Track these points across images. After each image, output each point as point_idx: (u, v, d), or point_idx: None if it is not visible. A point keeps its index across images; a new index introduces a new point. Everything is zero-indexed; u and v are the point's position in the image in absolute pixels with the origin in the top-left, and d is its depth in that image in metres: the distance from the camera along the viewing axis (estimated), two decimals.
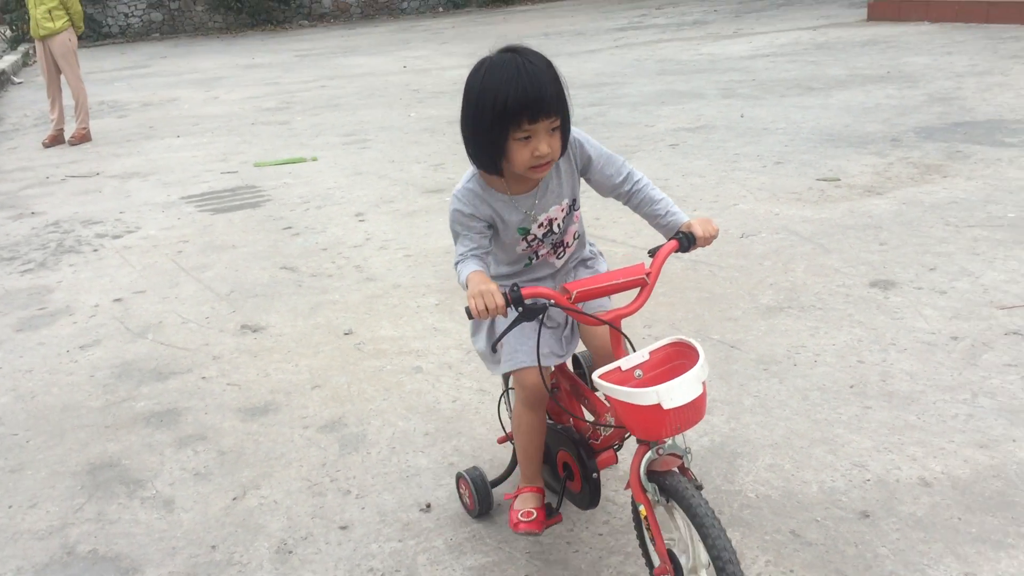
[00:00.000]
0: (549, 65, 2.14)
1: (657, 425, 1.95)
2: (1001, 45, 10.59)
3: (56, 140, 9.57)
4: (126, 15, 23.59)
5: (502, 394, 2.81)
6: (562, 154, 2.25)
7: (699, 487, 2.06)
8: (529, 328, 2.28)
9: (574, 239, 2.50)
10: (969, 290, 4.04)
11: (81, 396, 3.79)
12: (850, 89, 8.92)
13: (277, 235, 5.81)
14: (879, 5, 13.97)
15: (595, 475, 2.39)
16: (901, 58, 10.37)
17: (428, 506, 2.86)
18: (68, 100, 9.98)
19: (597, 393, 2.37)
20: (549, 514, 2.54)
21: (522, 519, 2.50)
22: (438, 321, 4.26)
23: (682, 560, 2.10)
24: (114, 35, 23.43)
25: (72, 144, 9.52)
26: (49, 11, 9.24)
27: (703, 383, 1.96)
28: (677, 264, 4.64)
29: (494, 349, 2.34)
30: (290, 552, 2.70)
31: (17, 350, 4.32)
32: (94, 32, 22.76)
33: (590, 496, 2.42)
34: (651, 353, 2.09)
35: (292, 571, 2.62)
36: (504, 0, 25.16)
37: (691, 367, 1.96)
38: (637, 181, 2.37)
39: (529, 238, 2.38)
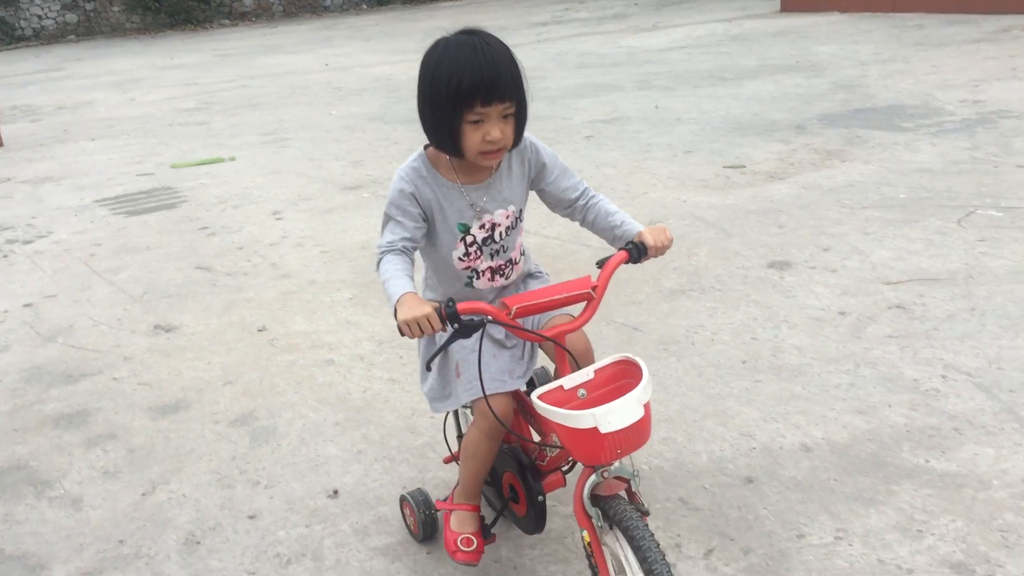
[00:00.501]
0: (507, 49, 2.05)
1: (596, 449, 1.84)
2: (905, 33, 11.00)
3: None
4: (40, 17, 23.00)
5: (446, 415, 2.77)
6: (515, 145, 2.15)
7: (645, 512, 1.97)
8: (489, 352, 2.20)
9: (521, 255, 2.36)
10: (859, 268, 4.25)
11: None
12: (760, 79, 9.18)
13: (193, 235, 5.80)
14: None
15: (541, 498, 2.27)
16: (811, 48, 10.70)
17: (335, 492, 2.93)
18: None
19: None
20: (485, 535, 2.42)
21: (461, 547, 2.36)
22: (351, 315, 4.33)
23: None
24: (28, 38, 22.83)
25: None
26: None
27: (646, 404, 1.85)
28: (586, 252, 4.78)
29: (428, 368, 2.14)
30: (198, 543, 2.75)
31: None
32: (6, 35, 22.17)
33: (535, 520, 2.31)
34: (596, 372, 1.97)
35: (199, 561, 2.67)
36: None
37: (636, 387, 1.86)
38: (592, 196, 2.29)
39: (467, 240, 2.23)
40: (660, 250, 2.12)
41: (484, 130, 2.03)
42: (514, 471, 2.34)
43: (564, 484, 2.36)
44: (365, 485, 2.95)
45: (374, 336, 4.06)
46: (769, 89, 8.64)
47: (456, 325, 1.92)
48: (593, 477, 1.96)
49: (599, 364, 1.98)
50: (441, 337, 2.09)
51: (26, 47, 21.99)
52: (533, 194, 2.36)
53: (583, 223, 2.32)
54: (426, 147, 2.22)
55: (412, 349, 3.75)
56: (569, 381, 1.97)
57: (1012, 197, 4.98)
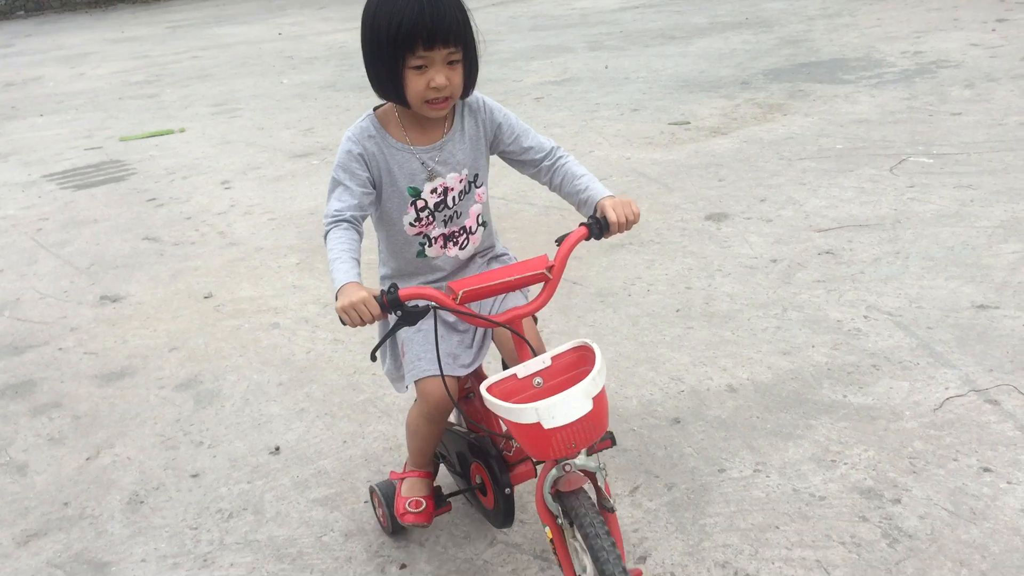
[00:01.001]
0: None
1: (543, 444, 1.72)
2: None
3: None
4: None
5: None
6: (464, 95, 2.06)
7: (609, 509, 1.89)
8: (431, 333, 2.09)
9: (479, 224, 2.21)
10: (792, 217, 4.36)
11: None
12: (709, 37, 9.24)
13: (141, 207, 5.79)
14: None
15: (508, 491, 2.15)
16: (760, 4, 10.76)
17: (277, 449, 3.00)
18: None
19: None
20: (438, 502, 2.36)
21: (410, 509, 2.30)
22: (298, 279, 4.37)
23: None
24: None
25: None
26: None
27: (597, 396, 1.72)
28: (530, 210, 4.85)
29: (373, 357, 1.95)
30: (141, 502, 2.81)
31: None
32: None
33: (504, 514, 2.20)
34: (553, 358, 1.85)
35: (143, 519, 2.73)
36: None
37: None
38: (560, 158, 2.15)
39: (418, 205, 2.12)
40: (624, 226, 1.96)
41: (428, 76, 1.93)
42: (480, 462, 2.21)
43: (535, 475, 2.22)
44: (307, 441, 3.02)
45: (319, 299, 4.11)
46: (718, 46, 8.70)
47: (399, 312, 1.82)
48: (554, 471, 1.84)
49: (556, 350, 1.86)
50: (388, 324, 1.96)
51: None
52: (499, 162, 2.26)
53: (551, 187, 2.17)
54: (376, 108, 2.14)
55: None
56: (524, 369, 1.85)
57: (944, 144, 5.10)
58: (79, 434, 3.23)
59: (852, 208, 4.36)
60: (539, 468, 2.04)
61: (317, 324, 3.86)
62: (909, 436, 2.67)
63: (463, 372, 2.19)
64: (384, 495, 2.46)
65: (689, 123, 6.18)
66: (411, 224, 2.15)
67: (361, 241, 2.05)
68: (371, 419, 3.10)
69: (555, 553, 1.94)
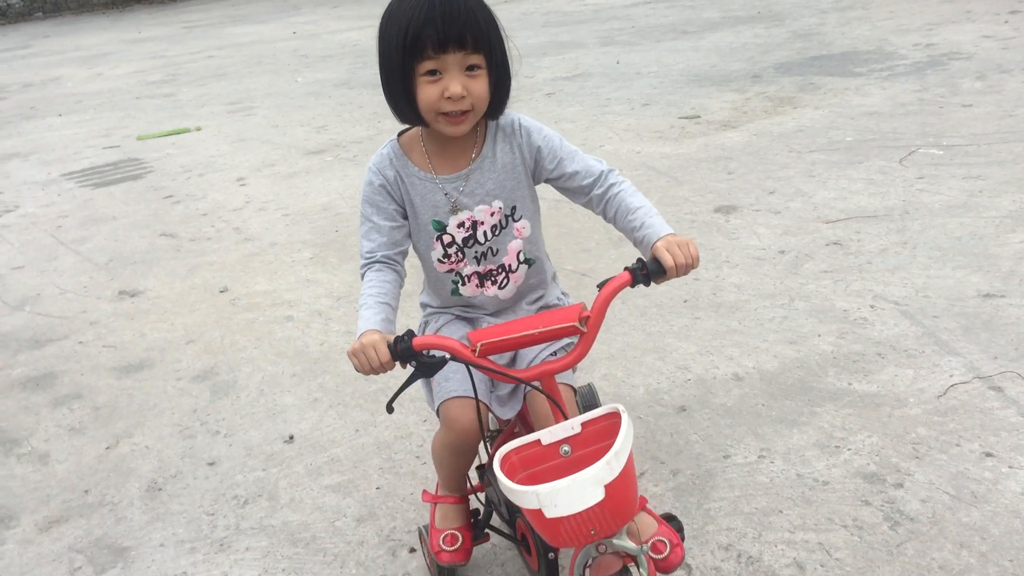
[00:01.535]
0: (479, 0, 1.77)
1: (552, 532, 1.53)
2: None
3: None
4: None
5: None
6: (494, 115, 1.86)
7: None
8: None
9: (519, 262, 1.98)
10: (801, 208, 4.38)
11: None
12: (721, 31, 9.26)
13: (158, 204, 5.88)
14: None
15: (552, 556, 1.91)
16: None
17: (291, 438, 3.07)
18: None
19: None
20: (477, 533, 2.17)
21: (444, 547, 2.11)
22: (311, 273, 4.44)
23: None
24: None
25: None
26: None
27: (615, 481, 1.48)
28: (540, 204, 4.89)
29: (389, 409, 1.76)
30: (160, 489, 2.88)
31: None
32: None
33: None
34: (584, 424, 1.64)
35: (161, 505, 2.80)
36: None
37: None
38: (612, 184, 1.87)
39: (445, 240, 1.93)
40: (680, 270, 1.69)
41: (443, 84, 1.74)
42: (524, 520, 1.88)
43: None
44: (320, 430, 3.09)
45: (332, 292, 4.17)
46: (729, 40, 8.72)
47: (414, 363, 1.67)
48: (586, 549, 1.64)
49: (588, 416, 1.65)
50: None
51: None
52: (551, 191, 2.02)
53: (605, 219, 1.91)
54: (400, 134, 1.98)
55: None
56: (550, 435, 1.63)
57: (954, 135, 5.11)
58: (99, 424, 3.30)
59: (861, 199, 4.38)
60: None
61: (330, 317, 3.93)
62: (913, 422, 2.70)
63: (500, 411, 1.97)
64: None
65: (699, 117, 6.21)
66: (439, 260, 1.96)
67: (400, 280, 1.92)
68: (383, 408, 3.15)
69: None
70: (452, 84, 1.74)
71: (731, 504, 2.46)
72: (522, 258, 1.98)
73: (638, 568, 1.66)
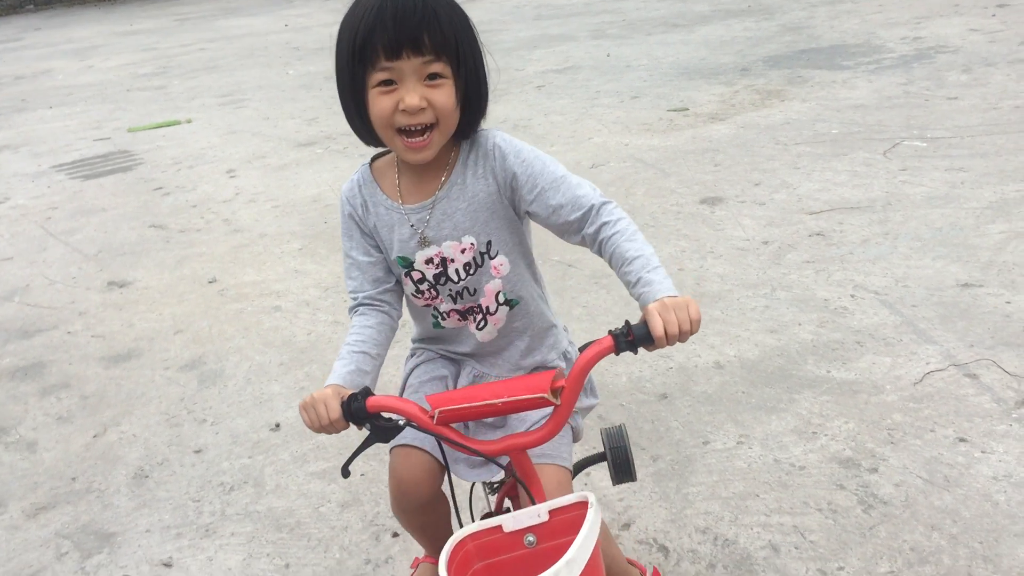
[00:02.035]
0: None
1: None
2: None
3: None
4: None
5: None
6: (466, 130, 1.61)
7: None
8: (438, 390, 1.75)
9: (499, 304, 1.71)
10: (785, 200, 4.42)
11: None
12: (712, 24, 9.29)
13: (148, 196, 5.90)
14: None
15: None
16: None
17: (277, 426, 3.10)
18: None
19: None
20: None
21: None
22: (300, 264, 4.47)
23: None
24: None
25: None
26: None
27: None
28: None
29: (344, 473, 1.54)
30: (146, 476, 2.91)
31: None
32: None
33: None
34: (552, 512, 1.44)
35: (148, 492, 2.83)
36: None
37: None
38: (605, 224, 1.55)
39: (415, 277, 1.70)
40: (673, 339, 1.38)
41: (398, 95, 1.49)
42: None
43: None
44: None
45: (320, 283, 4.20)
46: (719, 33, 8.75)
47: (367, 425, 1.50)
48: None
49: (556, 503, 1.44)
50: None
51: None
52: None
53: (599, 255, 1.60)
54: (375, 158, 1.76)
55: None
56: (513, 521, 1.43)
57: (938, 128, 5.16)
58: (86, 413, 3.33)
59: (844, 191, 4.43)
60: None
61: (318, 307, 3.95)
62: (889, 409, 2.74)
63: (468, 473, 1.71)
64: None
65: (687, 110, 6.24)
66: (413, 295, 1.74)
67: (389, 321, 1.73)
68: None
69: None
70: (408, 95, 1.49)
71: (709, 489, 2.50)
72: (501, 299, 1.71)
73: None
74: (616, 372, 3.14)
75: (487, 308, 1.72)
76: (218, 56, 11.64)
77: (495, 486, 1.97)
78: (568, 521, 1.43)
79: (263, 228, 5.04)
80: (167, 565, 2.49)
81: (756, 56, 7.55)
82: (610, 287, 3.76)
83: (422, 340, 1.87)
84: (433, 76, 1.50)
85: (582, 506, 1.41)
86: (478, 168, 1.63)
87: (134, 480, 2.90)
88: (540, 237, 1.79)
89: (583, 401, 1.84)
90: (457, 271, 1.67)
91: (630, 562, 2.04)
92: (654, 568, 2.15)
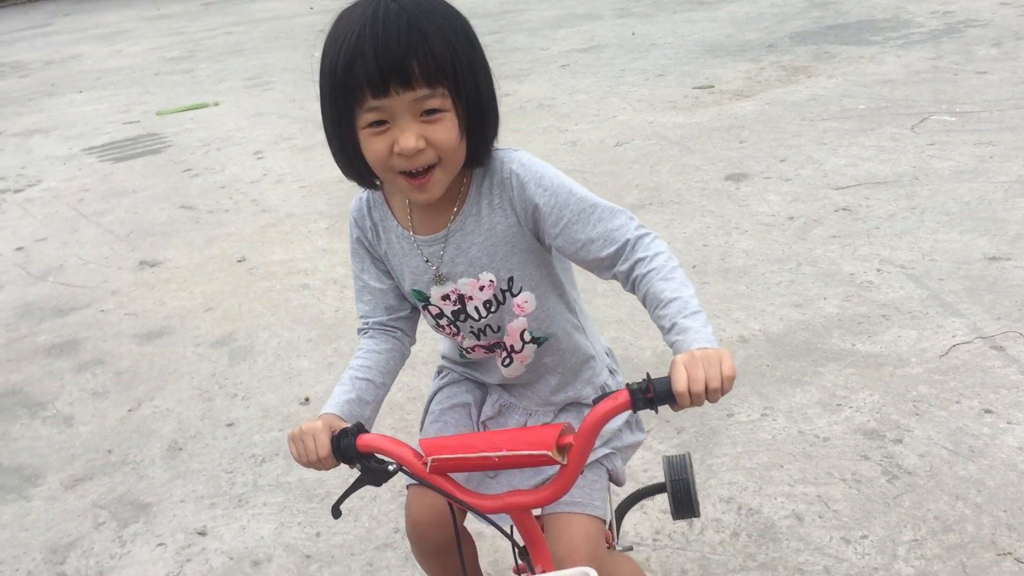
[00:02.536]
0: (436, 9, 1.33)
1: None
2: None
3: None
4: None
5: None
6: (475, 159, 1.41)
7: None
8: (461, 418, 1.64)
9: (525, 342, 1.55)
10: (811, 175, 4.40)
11: None
12: (738, 1, 9.20)
13: (177, 178, 5.97)
14: None
15: None
16: None
17: (307, 399, 3.15)
18: None
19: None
20: None
21: None
22: (327, 243, 4.51)
23: None
24: None
25: None
26: None
27: None
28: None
29: (335, 513, 1.48)
30: (180, 449, 2.98)
31: None
32: None
33: None
34: None
35: (182, 464, 2.90)
36: None
37: None
38: (640, 260, 1.37)
39: (432, 311, 1.55)
40: (698, 399, 1.21)
41: (392, 136, 1.32)
42: None
43: None
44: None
45: (347, 261, 4.21)
46: (746, 10, 8.67)
47: (358, 465, 1.38)
48: None
49: (564, 574, 1.30)
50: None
51: (13, 5, 21.88)
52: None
53: (635, 295, 1.41)
54: None
55: None
56: None
57: (967, 102, 5.10)
58: (121, 388, 3.40)
59: (871, 166, 4.40)
60: None
61: (345, 284, 4.00)
62: (914, 381, 2.74)
63: (482, 518, 1.46)
64: None
65: (713, 87, 6.21)
66: (434, 328, 1.60)
67: (400, 347, 1.60)
68: None
69: None
70: (402, 136, 1.30)
71: (733, 460, 2.52)
72: (527, 337, 1.55)
73: None
74: (640, 346, 3.16)
75: (512, 347, 1.56)
76: (244, 39, 11.70)
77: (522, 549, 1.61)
78: None
79: (290, 208, 5.09)
80: (202, 534, 2.56)
81: (783, 32, 7.49)
82: None
83: (450, 359, 1.74)
84: (431, 111, 1.31)
85: None
86: (493, 198, 1.45)
87: (168, 452, 2.96)
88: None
89: (626, 439, 1.66)
90: (477, 308, 1.51)
91: None
92: None
